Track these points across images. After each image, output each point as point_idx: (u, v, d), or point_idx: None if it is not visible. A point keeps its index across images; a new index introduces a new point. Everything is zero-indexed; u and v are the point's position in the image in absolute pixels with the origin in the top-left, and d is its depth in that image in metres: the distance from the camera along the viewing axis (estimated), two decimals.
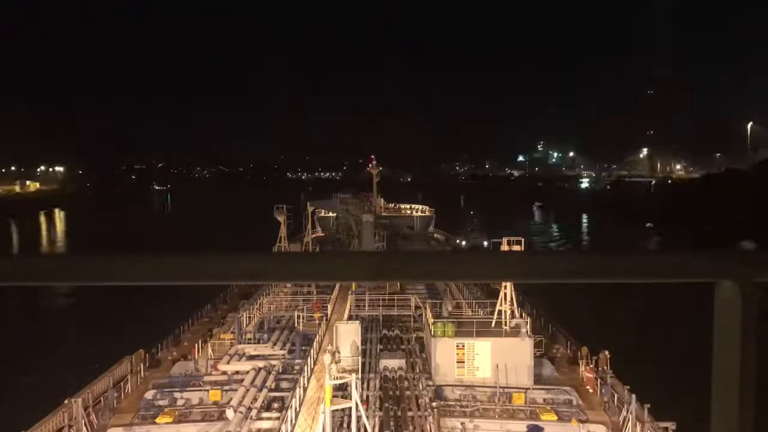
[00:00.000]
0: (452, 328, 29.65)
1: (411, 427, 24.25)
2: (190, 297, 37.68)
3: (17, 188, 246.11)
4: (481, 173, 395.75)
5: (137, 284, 1.31)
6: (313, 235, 64.71)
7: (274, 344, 32.65)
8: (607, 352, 30.22)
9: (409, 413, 25.26)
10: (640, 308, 49.57)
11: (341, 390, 21.98)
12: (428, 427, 23.81)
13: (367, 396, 26.45)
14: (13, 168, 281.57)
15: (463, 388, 28.28)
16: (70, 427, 24.32)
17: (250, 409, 24.64)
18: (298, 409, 24.66)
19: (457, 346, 29.16)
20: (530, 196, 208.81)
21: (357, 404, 20.22)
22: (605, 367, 29.52)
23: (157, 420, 25.17)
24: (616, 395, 26.75)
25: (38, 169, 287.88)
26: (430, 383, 28.33)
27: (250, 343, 33.00)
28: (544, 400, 27.46)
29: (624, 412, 25.04)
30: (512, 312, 30.08)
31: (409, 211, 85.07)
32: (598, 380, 28.70)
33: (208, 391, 27.16)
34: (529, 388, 27.80)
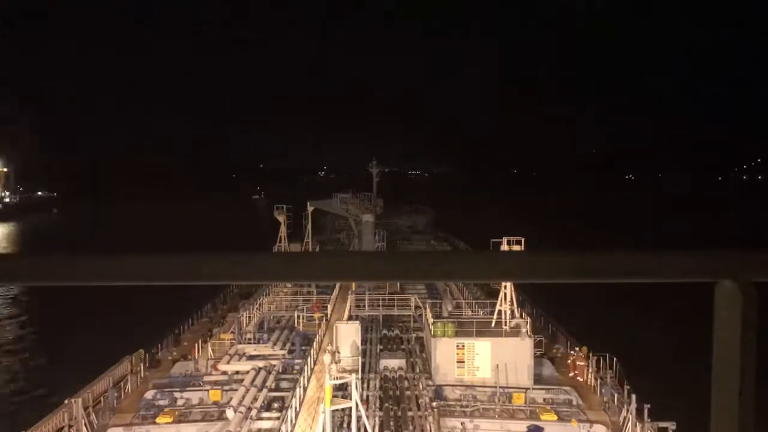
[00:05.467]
0: (452, 328, 29.64)
1: (411, 427, 24.23)
2: (190, 297, 37.67)
3: None
4: None
5: (137, 284, 1.31)
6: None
7: (274, 344, 32.68)
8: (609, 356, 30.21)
9: (409, 413, 25.26)
10: (641, 308, 49.57)
11: (341, 390, 21.99)
12: (428, 427, 23.79)
13: (367, 396, 26.45)
14: None
15: (463, 388, 28.27)
16: (70, 427, 24.30)
17: (250, 409, 24.64)
18: (298, 409, 24.67)
19: (457, 346, 29.15)
20: None
21: (357, 404, 20.22)
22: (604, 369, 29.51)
23: (157, 420, 25.16)
24: (616, 395, 26.75)
25: None
26: (430, 383, 28.33)
27: (250, 343, 33.04)
28: (544, 400, 27.47)
29: (624, 412, 25.04)
30: (512, 312, 30.06)
31: None
32: (598, 380, 28.71)
33: (208, 391, 27.16)
34: (529, 388, 27.79)
